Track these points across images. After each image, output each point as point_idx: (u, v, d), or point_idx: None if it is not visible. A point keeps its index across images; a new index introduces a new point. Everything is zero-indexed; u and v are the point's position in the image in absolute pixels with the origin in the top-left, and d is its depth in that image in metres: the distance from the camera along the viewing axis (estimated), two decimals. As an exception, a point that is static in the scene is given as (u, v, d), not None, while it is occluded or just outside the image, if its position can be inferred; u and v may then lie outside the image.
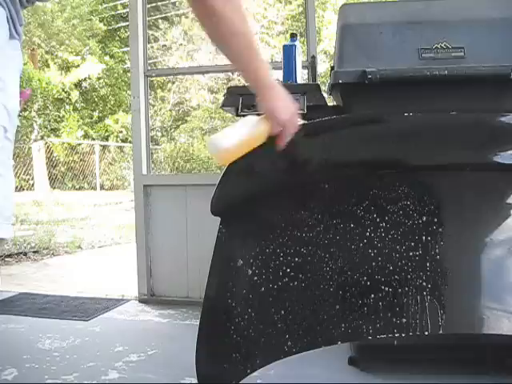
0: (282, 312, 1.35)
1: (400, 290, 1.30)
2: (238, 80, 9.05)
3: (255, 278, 1.38)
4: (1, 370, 2.04)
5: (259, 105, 1.15)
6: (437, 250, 1.32)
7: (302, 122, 1.21)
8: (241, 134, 1.17)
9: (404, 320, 1.27)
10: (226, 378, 1.38)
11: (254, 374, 1.41)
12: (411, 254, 1.32)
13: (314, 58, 2.83)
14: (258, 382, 1.69)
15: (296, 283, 1.37)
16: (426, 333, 1.24)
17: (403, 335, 1.23)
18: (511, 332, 1.30)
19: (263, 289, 1.39)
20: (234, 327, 1.39)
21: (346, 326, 1.30)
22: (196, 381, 1.42)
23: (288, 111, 1.18)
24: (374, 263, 1.34)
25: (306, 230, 1.40)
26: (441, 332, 1.25)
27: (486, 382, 1.64)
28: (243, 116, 2.00)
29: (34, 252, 5.32)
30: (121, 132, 14.44)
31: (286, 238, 1.42)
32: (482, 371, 1.68)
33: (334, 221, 1.41)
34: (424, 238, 1.33)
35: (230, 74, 8.93)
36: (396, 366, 1.77)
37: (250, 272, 1.38)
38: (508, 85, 1.60)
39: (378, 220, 1.36)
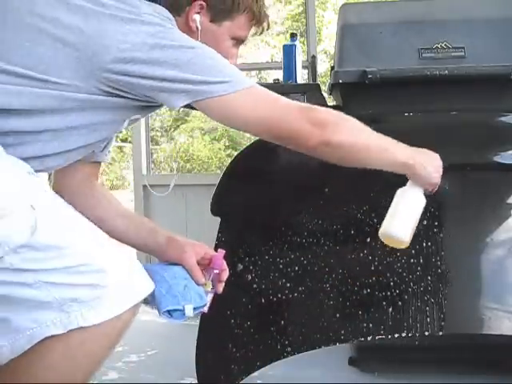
0: (282, 314, 1.35)
1: (400, 291, 1.30)
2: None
3: (255, 283, 1.38)
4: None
5: (410, 178, 1.15)
6: (437, 250, 1.32)
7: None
8: (411, 217, 1.14)
9: (404, 320, 1.27)
10: (226, 378, 1.38)
11: (254, 374, 1.41)
12: (411, 254, 1.32)
13: (314, 57, 2.83)
14: (258, 382, 1.69)
15: (296, 285, 1.37)
16: (426, 333, 1.24)
17: (403, 335, 1.23)
18: (511, 332, 1.30)
19: (263, 290, 1.39)
20: (233, 328, 1.39)
21: (346, 326, 1.30)
22: (196, 381, 1.42)
23: (437, 174, 1.15)
24: (374, 263, 1.34)
25: (306, 234, 1.41)
26: (441, 332, 1.25)
27: (485, 382, 1.64)
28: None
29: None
30: (121, 132, 14.45)
31: (286, 243, 1.42)
32: (482, 371, 1.68)
33: (335, 222, 1.41)
34: (424, 238, 1.33)
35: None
36: (396, 366, 1.77)
37: (250, 278, 1.38)
38: (508, 85, 1.60)
39: (377, 220, 1.36)
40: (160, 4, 1.14)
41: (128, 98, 1.02)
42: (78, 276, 0.86)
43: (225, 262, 1.15)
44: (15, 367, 0.87)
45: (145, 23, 1.01)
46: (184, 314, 1.05)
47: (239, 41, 1.23)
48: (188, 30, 1.15)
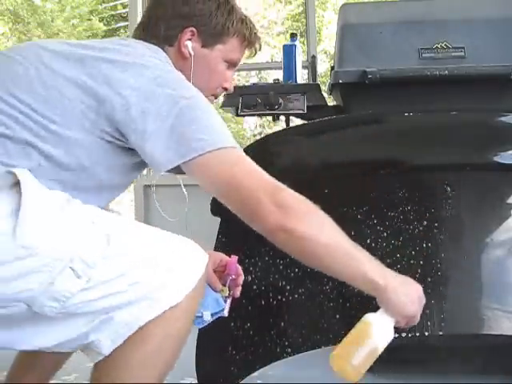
0: (282, 315, 1.35)
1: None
2: (237, 80, 9.05)
3: (255, 285, 1.38)
4: None
5: (379, 304, 1.02)
6: (437, 250, 1.32)
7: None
8: (369, 354, 1.00)
9: (404, 320, 1.27)
10: (226, 379, 1.38)
11: (254, 374, 1.41)
12: (411, 254, 1.32)
13: (314, 57, 2.83)
14: (258, 382, 1.69)
15: (296, 286, 1.36)
16: (426, 333, 1.24)
17: (403, 335, 1.23)
18: (511, 332, 1.30)
19: (263, 291, 1.39)
20: (233, 329, 1.39)
21: (346, 327, 1.30)
22: (196, 381, 1.42)
23: (412, 306, 1.01)
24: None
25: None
26: (441, 332, 1.25)
27: (485, 382, 1.64)
28: (243, 116, 2.00)
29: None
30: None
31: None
32: (483, 371, 1.68)
33: (335, 223, 1.41)
34: (424, 238, 1.33)
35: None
36: (396, 366, 1.77)
37: (250, 279, 1.38)
38: (508, 85, 1.60)
39: (377, 220, 1.36)
40: (153, 37, 1.17)
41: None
42: (155, 268, 0.93)
43: (239, 267, 1.21)
44: (116, 357, 0.92)
45: (145, 67, 1.02)
46: (203, 321, 1.13)
47: (232, 64, 1.25)
48: (181, 57, 1.17)
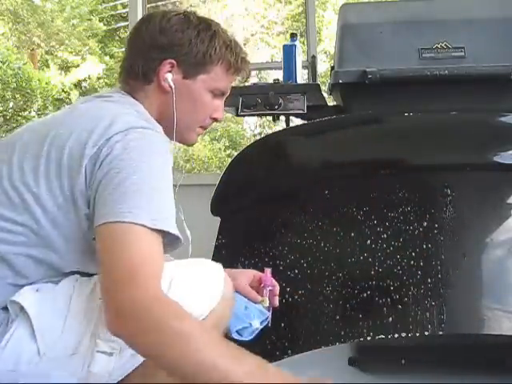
0: (282, 316, 1.35)
1: (400, 290, 1.30)
2: (237, 80, 9.04)
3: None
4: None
5: None
6: (437, 250, 1.32)
7: None
8: None
9: (404, 320, 1.27)
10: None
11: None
12: (411, 254, 1.32)
13: (314, 57, 2.82)
14: (258, 382, 1.69)
15: (297, 286, 1.37)
16: (426, 333, 1.24)
17: (403, 335, 1.23)
18: (511, 332, 1.30)
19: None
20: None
21: (346, 328, 1.30)
22: (196, 381, 1.42)
23: None
24: (374, 263, 1.34)
25: (306, 236, 1.40)
26: (441, 332, 1.25)
27: (486, 382, 1.64)
28: (243, 116, 2.00)
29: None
30: (121, 132, 14.37)
31: (286, 244, 1.42)
32: (482, 371, 1.68)
33: (335, 224, 1.41)
34: (424, 238, 1.33)
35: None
36: (396, 366, 1.77)
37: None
38: (508, 85, 1.60)
39: (377, 221, 1.36)
40: (132, 77, 1.12)
41: None
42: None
43: (273, 279, 1.25)
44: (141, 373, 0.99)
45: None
46: (252, 331, 1.18)
47: (220, 93, 1.17)
48: (162, 92, 1.10)
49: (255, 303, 1.21)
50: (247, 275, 1.25)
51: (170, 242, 0.96)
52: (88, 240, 0.97)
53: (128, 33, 1.24)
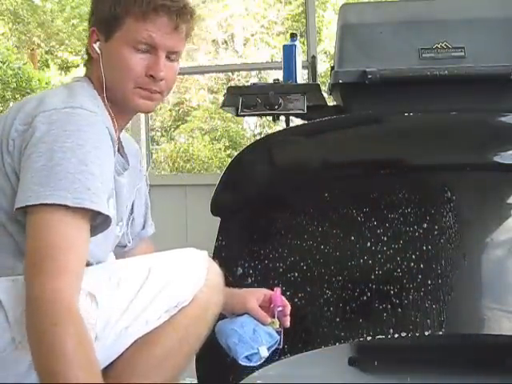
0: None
1: (401, 290, 1.30)
2: (237, 80, 9.04)
3: (254, 286, 1.38)
4: None
5: None
6: (437, 250, 1.32)
7: None
8: None
9: (404, 320, 1.27)
10: (226, 378, 1.38)
11: (254, 374, 1.41)
12: (411, 254, 1.32)
13: (314, 57, 2.83)
14: (258, 382, 1.69)
15: (297, 288, 1.36)
16: (427, 333, 1.24)
17: (403, 335, 1.23)
18: (511, 332, 1.30)
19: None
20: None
21: (346, 328, 1.30)
22: (196, 381, 1.42)
23: None
24: (374, 264, 1.34)
25: (306, 236, 1.40)
26: (441, 332, 1.25)
27: (486, 382, 1.64)
28: (243, 116, 2.00)
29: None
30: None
31: (286, 245, 1.42)
32: (482, 371, 1.68)
33: (335, 225, 1.41)
34: (424, 237, 1.33)
35: (229, 74, 8.93)
36: (396, 365, 1.77)
37: (250, 281, 1.38)
38: (508, 85, 1.60)
39: (377, 221, 1.36)
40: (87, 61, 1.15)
41: None
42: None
43: (284, 298, 1.22)
44: (127, 359, 1.00)
45: None
46: (261, 357, 1.15)
47: (143, 44, 1.08)
48: (96, 62, 1.10)
49: (265, 325, 1.19)
50: (257, 295, 1.23)
51: (102, 221, 0.97)
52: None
53: None
